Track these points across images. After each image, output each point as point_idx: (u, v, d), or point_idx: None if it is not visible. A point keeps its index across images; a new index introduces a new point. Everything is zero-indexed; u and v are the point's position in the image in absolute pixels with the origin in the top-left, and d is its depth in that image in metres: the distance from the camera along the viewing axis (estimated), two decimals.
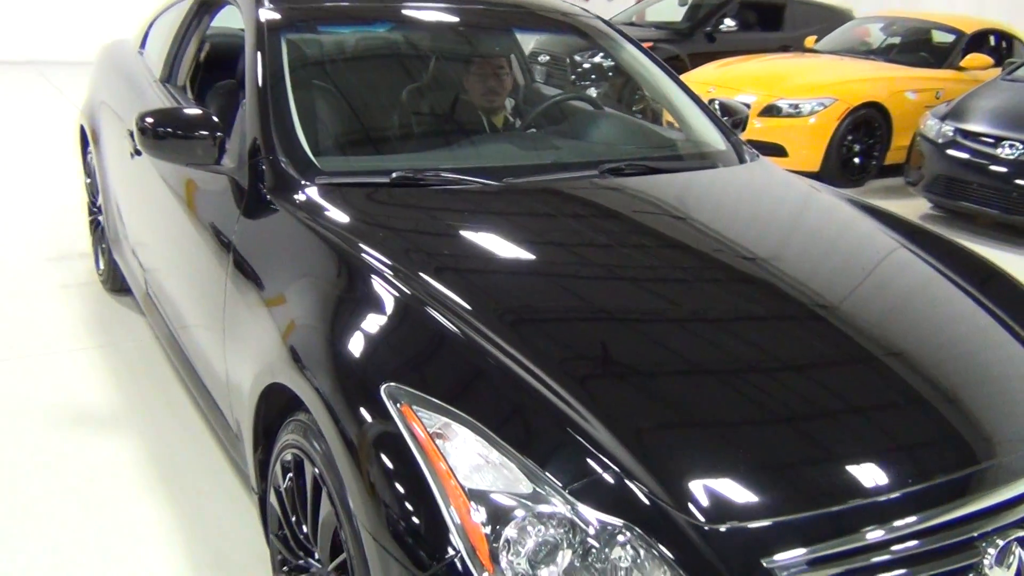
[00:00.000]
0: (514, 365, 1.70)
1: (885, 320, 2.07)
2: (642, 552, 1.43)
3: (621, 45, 3.38)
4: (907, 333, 2.04)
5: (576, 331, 1.91)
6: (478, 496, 1.47)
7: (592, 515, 1.45)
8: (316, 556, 1.89)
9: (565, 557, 1.43)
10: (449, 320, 1.81)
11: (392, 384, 1.64)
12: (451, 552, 1.44)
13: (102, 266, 4.18)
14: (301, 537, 1.96)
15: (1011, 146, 5.96)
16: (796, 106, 7.14)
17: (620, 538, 1.43)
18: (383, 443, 1.59)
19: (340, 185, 2.34)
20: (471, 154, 2.78)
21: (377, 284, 1.93)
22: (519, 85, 3.52)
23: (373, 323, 1.86)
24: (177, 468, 2.87)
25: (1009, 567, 1.56)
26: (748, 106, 6.78)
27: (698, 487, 1.51)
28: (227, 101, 2.98)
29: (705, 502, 1.49)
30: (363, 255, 2.03)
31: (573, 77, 7.95)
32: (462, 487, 1.48)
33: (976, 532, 1.57)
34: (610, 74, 6.89)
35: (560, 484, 1.48)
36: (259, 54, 2.61)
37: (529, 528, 1.44)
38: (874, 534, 1.51)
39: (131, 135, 2.92)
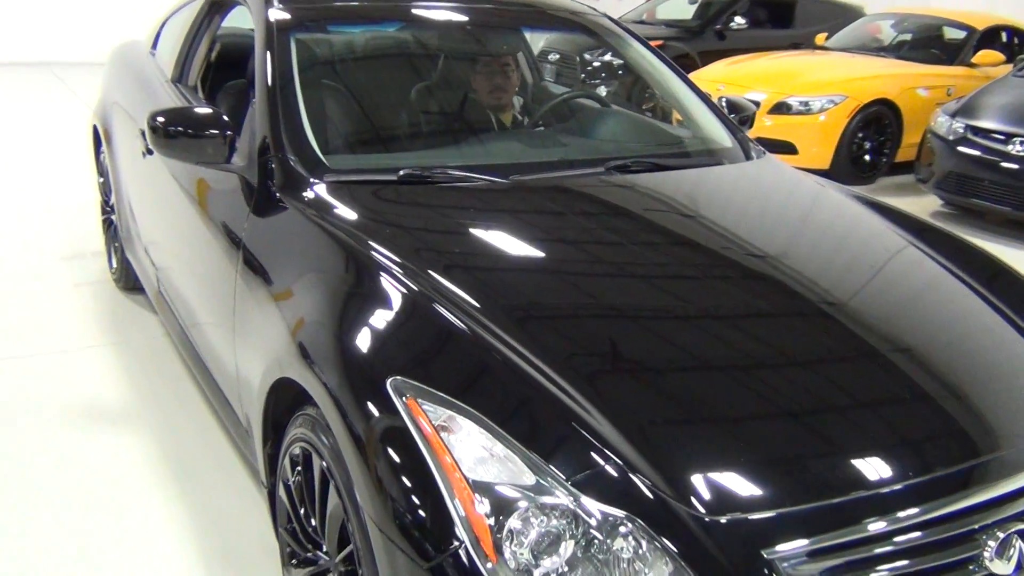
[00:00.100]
0: (519, 360, 1.72)
1: (891, 317, 2.07)
2: (644, 543, 1.44)
3: (628, 43, 3.40)
4: (913, 330, 2.04)
5: (581, 326, 1.93)
6: (482, 488, 1.49)
7: (595, 507, 1.47)
8: (324, 549, 1.92)
9: (568, 548, 1.44)
10: (455, 316, 1.83)
11: (398, 378, 1.66)
12: (455, 543, 1.47)
13: (115, 265, 4.22)
14: (309, 530, 1.98)
15: (1022, 143, 5.94)
16: (806, 103, 7.13)
17: (622, 529, 1.45)
18: (389, 437, 1.62)
19: (348, 183, 2.37)
20: (478, 152, 2.80)
21: (384, 280, 1.96)
22: (527, 83, 3.54)
23: (380, 319, 1.88)
24: (188, 463, 2.91)
25: (1009, 560, 1.57)
26: (758, 104, 6.78)
27: (700, 479, 1.52)
28: (237, 101, 3.02)
29: (706, 494, 1.50)
30: (371, 251, 2.06)
31: (583, 76, 7.96)
32: (466, 479, 1.50)
33: (977, 525, 1.58)
34: (620, 72, 6.89)
35: (563, 476, 1.50)
36: (268, 54, 2.64)
37: (532, 519, 1.45)
38: (874, 526, 1.52)
39: (143, 134, 2.96)
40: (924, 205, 6.75)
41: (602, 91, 6.88)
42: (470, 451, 1.54)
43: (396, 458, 1.59)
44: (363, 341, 1.83)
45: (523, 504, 1.47)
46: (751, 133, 3.28)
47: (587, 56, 8.14)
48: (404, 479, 1.57)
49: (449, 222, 2.33)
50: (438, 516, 1.50)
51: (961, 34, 8.29)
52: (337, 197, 2.30)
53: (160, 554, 2.47)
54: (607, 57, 7.77)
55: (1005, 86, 6.62)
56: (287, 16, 2.77)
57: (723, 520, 1.47)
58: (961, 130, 6.28)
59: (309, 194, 2.32)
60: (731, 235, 2.35)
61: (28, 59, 11.42)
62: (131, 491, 2.74)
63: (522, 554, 1.44)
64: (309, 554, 2.01)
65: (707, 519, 1.47)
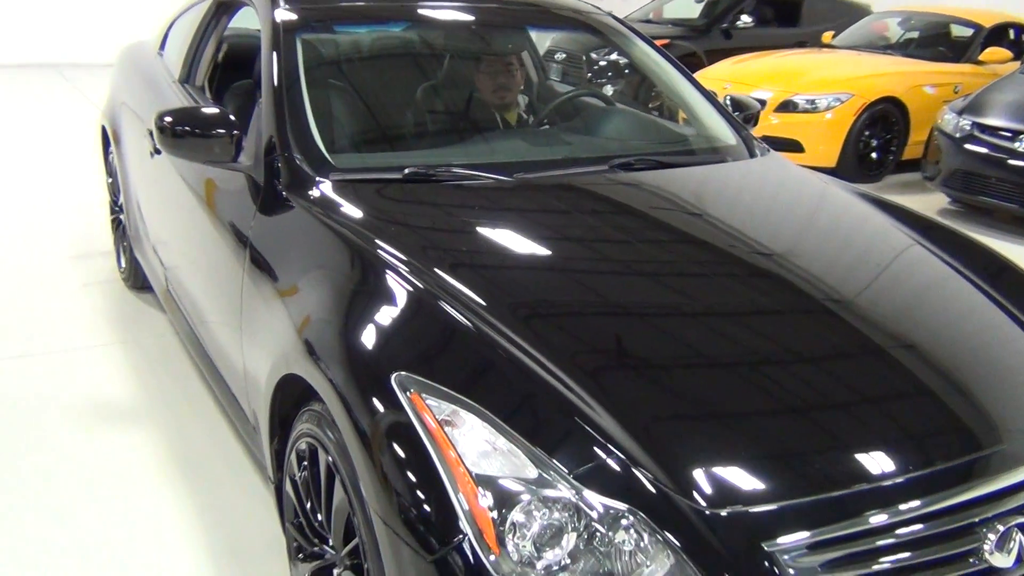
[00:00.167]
0: (523, 356, 1.73)
1: (894, 314, 2.08)
2: (645, 536, 1.46)
3: (632, 42, 3.41)
4: (916, 326, 2.05)
5: (585, 323, 1.94)
6: (485, 481, 1.51)
7: (597, 500, 1.48)
8: (330, 543, 1.94)
9: (570, 540, 1.46)
10: (460, 313, 1.85)
11: (402, 373, 1.68)
12: (459, 536, 1.48)
13: (124, 264, 4.26)
14: (316, 524, 2.01)
15: None
16: (812, 102, 7.13)
17: (624, 522, 1.46)
18: (394, 431, 1.63)
19: (354, 181, 2.39)
20: (482, 150, 2.82)
21: (389, 278, 1.97)
22: (532, 82, 3.56)
23: (385, 316, 1.90)
24: (196, 459, 2.93)
25: (1009, 553, 1.58)
26: (764, 102, 6.77)
27: (701, 473, 1.54)
28: (244, 101, 3.04)
29: (708, 487, 1.52)
30: (376, 249, 2.08)
31: (589, 75, 7.97)
32: (470, 473, 1.52)
33: (977, 518, 1.59)
34: (626, 71, 6.90)
35: (566, 470, 1.52)
36: (275, 54, 2.66)
37: (535, 512, 1.47)
38: (875, 518, 1.53)
39: (151, 134, 2.98)
40: (931, 203, 6.74)
41: (608, 90, 6.88)
42: (474, 445, 1.56)
43: (401, 452, 1.61)
44: (368, 338, 1.85)
45: (526, 497, 1.48)
46: (757, 131, 3.28)
47: (593, 55, 8.14)
48: (409, 473, 1.59)
49: (454, 220, 2.35)
50: (442, 509, 1.52)
51: (968, 31, 8.27)
52: (343, 195, 2.32)
53: (169, 549, 2.50)
54: (613, 56, 7.78)
55: (1012, 83, 6.60)
56: (293, 17, 2.80)
57: (724, 513, 1.49)
58: (968, 128, 6.27)
59: (315, 193, 2.34)
60: (734, 232, 2.36)
61: (37, 61, 11.49)
62: (140, 487, 2.77)
63: (524, 546, 1.46)
64: (315, 548, 2.03)
65: (708, 512, 1.48)
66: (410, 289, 1.93)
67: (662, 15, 10.74)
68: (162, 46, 4.05)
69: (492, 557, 1.45)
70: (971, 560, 1.56)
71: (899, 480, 1.59)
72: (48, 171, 6.53)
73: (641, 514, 1.47)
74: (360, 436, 1.68)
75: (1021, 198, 5.96)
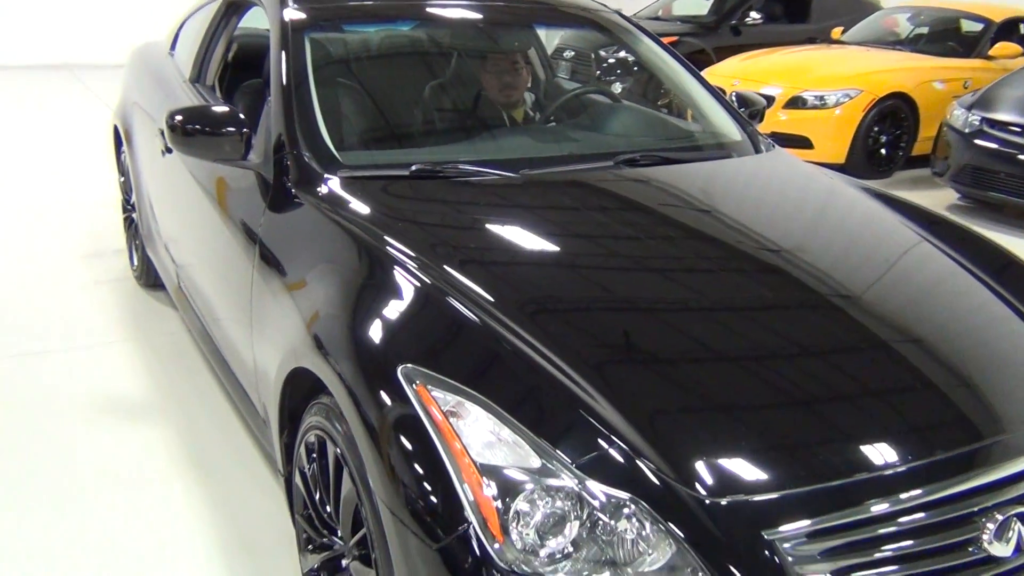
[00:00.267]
0: (528, 349, 1.76)
1: (898, 308, 2.09)
2: (647, 525, 1.48)
3: (639, 39, 3.43)
4: (921, 320, 2.06)
5: (590, 317, 1.97)
6: (490, 471, 1.54)
7: (599, 489, 1.51)
8: (339, 534, 1.97)
9: (572, 529, 1.49)
10: (466, 307, 1.87)
11: (408, 365, 1.71)
12: (464, 525, 1.51)
13: (136, 262, 4.30)
14: (325, 516, 2.04)
15: None
16: (821, 98, 7.12)
17: (625, 511, 1.49)
18: (401, 423, 1.66)
19: (362, 178, 2.42)
20: (489, 147, 2.85)
21: (397, 273, 2.00)
22: (539, 80, 3.58)
23: (393, 310, 1.93)
24: (207, 453, 2.97)
25: (1008, 542, 1.59)
26: (773, 99, 6.76)
27: (702, 463, 1.56)
28: (254, 99, 3.07)
29: (709, 477, 1.54)
30: (384, 245, 2.10)
31: (598, 72, 7.98)
32: (475, 463, 1.55)
33: (977, 507, 1.61)
34: (634, 68, 6.91)
35: (569, 460, 1.54)
36: (283, 53, 2.69)
37: (538, 501, 1.50)
38: (875, 507, 1.55)
39: (162, 133, 3.02)
40: (940, 199, 6.72)
41: (616, 87, 6.89)
42: (478, 436, 1.58)
43: (407, 444, 1.63)
44: (376, 332, 1.88)
45: (529, 486, 1.51)
46: (766, 127, 3.29)
47: (602, 53, 8.15)
48: (415, 464, 1.61)
49: (460, 216, 2.38)
50: (448, 499, 1.55)
51: (978, 26, 8.24)
52: (351, 192, 2.35)
53: (180, 541, 2.54)
54: (621, 54, 7.79)
55: (1022, 78, 6.58)
56: (302, 16, 2.83)
57: (725, 502, 1.51)
58: (977, 123, 6.26)
59: (323, 189, 2.37)
60: (739, 226, 2.38)
61: (49, 62, 11.56)
62: (152, 481, 2.81)
63: (528, 535, 1.48)
64: (324, 539, 2.06)
65: (709, 501, 1.51)
66: (417, 284, 1.96)
67: (671, 12, 10.74)
68: (173, 46, 4.09)
69: (496, 545, 1.48)
70: (970, 549, 1.58)
71: (900, 469, 1.61)
72: (61, 171, 6.58)
73: (643, 503, 1.50)
74: (368, 428, 1.71)
75: None
